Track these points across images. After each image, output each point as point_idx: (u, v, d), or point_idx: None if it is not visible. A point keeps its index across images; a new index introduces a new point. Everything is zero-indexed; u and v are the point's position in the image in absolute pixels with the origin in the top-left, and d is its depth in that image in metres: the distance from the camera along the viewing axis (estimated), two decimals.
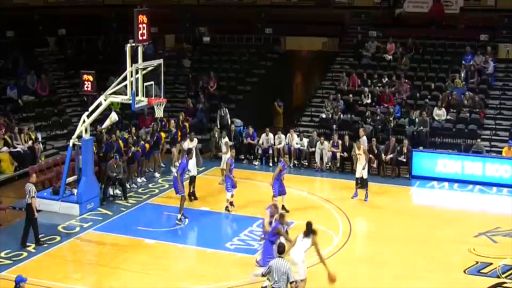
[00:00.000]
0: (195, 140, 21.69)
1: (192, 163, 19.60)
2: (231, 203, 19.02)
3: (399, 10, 29.94)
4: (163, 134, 22.92)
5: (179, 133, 23.14)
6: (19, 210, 18.10)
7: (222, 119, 26.10)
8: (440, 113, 24.63)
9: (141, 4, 18.52)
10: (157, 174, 22.42)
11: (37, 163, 21.97)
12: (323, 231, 16.21)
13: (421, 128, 24.08)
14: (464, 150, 23.46)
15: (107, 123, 19.87)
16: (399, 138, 23.37)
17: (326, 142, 23.16)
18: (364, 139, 22.06)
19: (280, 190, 18.60)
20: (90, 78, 19.01)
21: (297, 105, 31.71)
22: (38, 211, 18.68)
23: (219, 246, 16.46)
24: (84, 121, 18.72)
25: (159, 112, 18.42)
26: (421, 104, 25.43)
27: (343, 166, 23.04)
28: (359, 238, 17.02)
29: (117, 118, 19.79)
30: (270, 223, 14.33)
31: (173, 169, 22.77)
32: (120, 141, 21.19)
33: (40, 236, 16.49)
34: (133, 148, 20.99)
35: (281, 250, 11.54)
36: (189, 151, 19.54)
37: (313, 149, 23.53)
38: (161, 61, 18.49)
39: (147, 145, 21.78)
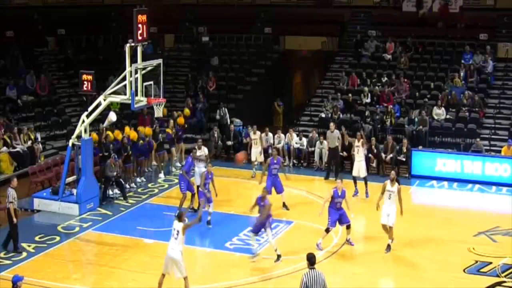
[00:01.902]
0: (204, 148, 19.96)
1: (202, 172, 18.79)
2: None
3: (422, 10, 29.90)
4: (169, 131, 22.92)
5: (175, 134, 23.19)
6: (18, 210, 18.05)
7: (221, 118, 26.10)
8: (439, 113, 24.63)
9: (141, 4, 18.49)
10: (161, 175, 22.33)
11: (37, 163, 21.97)
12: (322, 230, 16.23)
13: (421, 127, 24.07)
14: (464, 149, 23.48)
15: (106, 123, 19.85)
16: (398, 138, 23.39)
17: (325, 142, 23.14)
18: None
19: (276, 187, 18.48)
20: (90, 78, 18.98)
21: (297, 105, 31.70)
22: (38, 211, 18.86)
23: (218, 246, 16.48)
24: (83, 121, 18.73)
25: (158, 112, 18.41)
26: (421, 103, 25.40)
27: (342, 165, 23.03)
28: (358, 237, 16.98)
29: (114, 119, 19.74)
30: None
31: (173, 169, 22.81)
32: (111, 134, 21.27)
33: (39, 236, 16.46)
34: (141, 142, 21.27)
35: (313, 261, 10.97)
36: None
37: (313, 148, 23.54)
38: (160, 60, 18.51)
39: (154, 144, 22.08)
